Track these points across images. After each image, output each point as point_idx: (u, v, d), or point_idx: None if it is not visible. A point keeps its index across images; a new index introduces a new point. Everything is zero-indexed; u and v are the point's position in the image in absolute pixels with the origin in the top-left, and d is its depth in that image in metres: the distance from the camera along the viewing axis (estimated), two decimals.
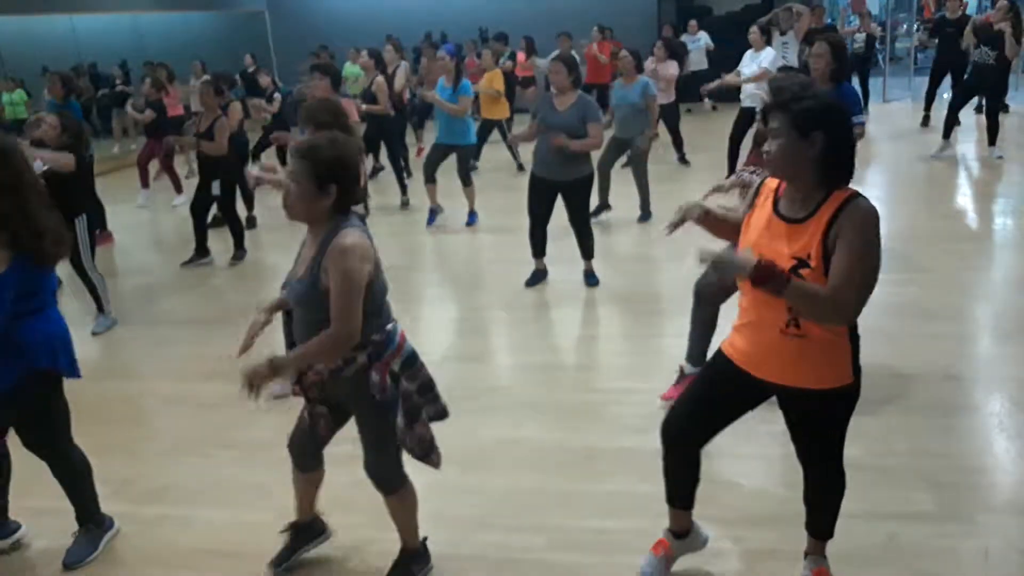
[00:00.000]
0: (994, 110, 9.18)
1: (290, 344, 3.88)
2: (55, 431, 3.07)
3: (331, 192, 2.45)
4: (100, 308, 5.74)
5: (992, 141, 9.13)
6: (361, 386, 2.57)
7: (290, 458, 2.88)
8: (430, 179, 7.77)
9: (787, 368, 2.36)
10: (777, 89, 3.25)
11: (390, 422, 2.61)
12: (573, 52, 9.96)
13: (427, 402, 2.69)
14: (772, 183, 2.41)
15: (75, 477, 3.16)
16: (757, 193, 2.45)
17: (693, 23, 13.33)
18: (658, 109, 7.58)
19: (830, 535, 2.69)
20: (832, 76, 4.41)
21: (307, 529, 3.04)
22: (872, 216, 2.17)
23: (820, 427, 2.47)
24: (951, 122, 9.35)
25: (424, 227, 8.00)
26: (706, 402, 2.59)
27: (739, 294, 2.53)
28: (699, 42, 13.09)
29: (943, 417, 3.82)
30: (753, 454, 3.56)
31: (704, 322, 4.01)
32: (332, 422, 2.76)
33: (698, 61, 12.91)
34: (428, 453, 2.72)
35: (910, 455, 3.50)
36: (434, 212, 7.98)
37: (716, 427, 2.61)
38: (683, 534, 2.83)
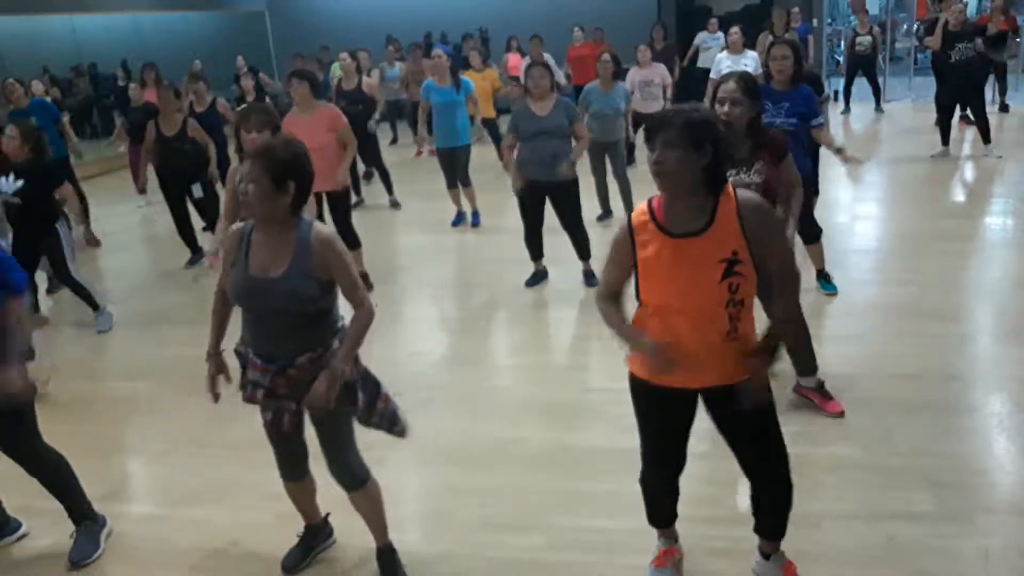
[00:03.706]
0: (981, 108, 8.95)
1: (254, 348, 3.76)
2: (33, 425, 3.08)
3: (289, 189, 2.50)
4: (95, 307, 5.66)
5: (986, 140, 8.95)
6: None
7: (278, 471, 2.89)
8: (452, 184, 7.80)
9: (729, 368, 2.43)
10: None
11: (354, 405, 2.65)
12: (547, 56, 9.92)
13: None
14: (638, 219, 2.38)
15: (55, 473, 3.16)
16: (632, 238, 2.39)
17: (714, 21, 13.05)
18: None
19: (784, 534, 2.72)
20: (793, 79, 4.49)
21: (320, 531, 3.08)
22: (766, 204, 2.46)
23: (763, 414, 2.51)
24: (946, 126, 9.24)
25: (423, 227, 8.00)
26: (664, 439, 2.65)
27: (644, 314, 2.47)
28: (718, 41, 12.95)
29: (943, 417, 3.81)
30: None
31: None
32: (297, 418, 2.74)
33: (711, 60, 12.77)
34: (393, 424, 2.79)
35: (910, 455, 3.50)
36: (462, 215, 8.00)
37: (683, 454, 2.67)
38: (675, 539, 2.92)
